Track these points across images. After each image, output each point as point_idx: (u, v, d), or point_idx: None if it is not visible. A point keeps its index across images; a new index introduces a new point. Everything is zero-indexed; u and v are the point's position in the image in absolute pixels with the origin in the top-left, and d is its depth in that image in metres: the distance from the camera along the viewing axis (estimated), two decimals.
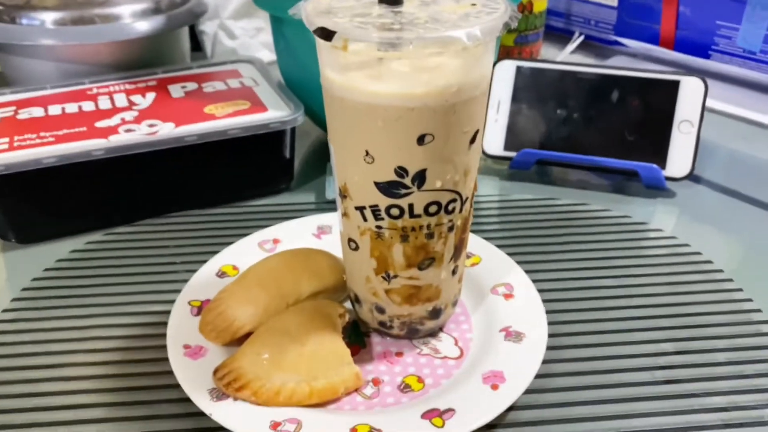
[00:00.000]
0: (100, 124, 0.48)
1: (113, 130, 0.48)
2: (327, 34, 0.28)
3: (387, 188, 0.31)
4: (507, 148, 0.55)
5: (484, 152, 0.55)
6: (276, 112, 0.50)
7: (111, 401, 0.34)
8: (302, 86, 0.53)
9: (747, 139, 0.61)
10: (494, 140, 0.55)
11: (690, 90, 0.51)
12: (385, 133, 0.30)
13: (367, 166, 0.31)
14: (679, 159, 0.52)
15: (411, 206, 0.32)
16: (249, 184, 0.52)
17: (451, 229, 0.33)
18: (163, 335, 0.36)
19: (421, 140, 0.30)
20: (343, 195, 0.34)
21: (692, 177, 0.53)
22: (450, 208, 0.33)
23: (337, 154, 0.33)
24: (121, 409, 0.34)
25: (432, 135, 0.30)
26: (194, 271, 0.41)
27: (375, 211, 0.32)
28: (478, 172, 0.34)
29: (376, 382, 0.35)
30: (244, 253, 0.43)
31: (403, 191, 0.31)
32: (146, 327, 0.39)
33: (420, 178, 0.31)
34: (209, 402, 0.32)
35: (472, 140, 0.31)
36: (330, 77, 0.31)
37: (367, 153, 0.31)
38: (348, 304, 0.39)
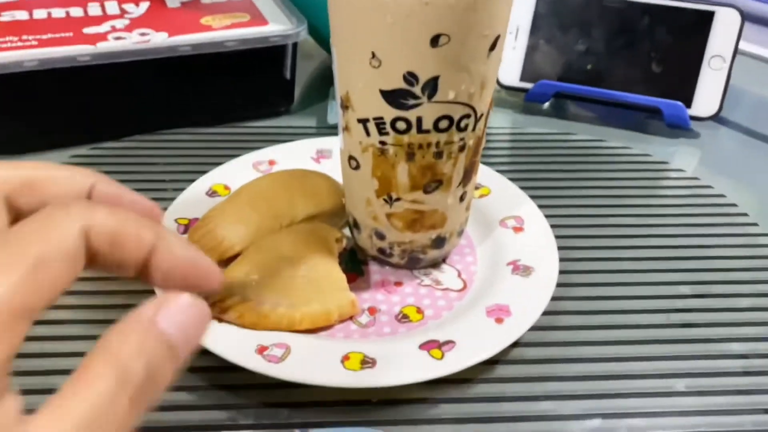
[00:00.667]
0: (88, 30, 0.45)
1: (102, 37, 0.44)
2: None
3: (394, 97, 0.28)
4: (523, 78, 0.51)
5: (498, 82, 0.51)
6: (277, 25, 0.46)
7: (87, 318, 0.32)
8: (308, 2, 0.50)
9: None
10: (510, 70, 0.51)
11: (725, 22, 0.48)
12: (395, 31, 0.26)
13: (372, 71, 0.28)
14: (706, 97, 0.48)
15: (419, 120, 0.29)
16: (246, 104, 0.48)
17: (462, 149, 0.31)
18: None
19: (434, 41, 0.27)
20: (345, 106, 0.30)
21: (718, 118, 0.49)
22: (462, 124, 0.30)
23: (339, 57, 0.30)
24: (98, 327, 0.31)
25: (448, 36, 0.26)
26: (183, 189, 0.38)
27: (379, 124, 0.29)
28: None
29: (372, 311, 0.32)
30: (238, 172, 0.40)
31: (412, 101, 0.28)
32: None
33: (431, 86, 0.28)
34: None
35: (492, 47, 0.28)
36: None
37: (374, 55, 0.27)
38: (346, 231, 0.36)
